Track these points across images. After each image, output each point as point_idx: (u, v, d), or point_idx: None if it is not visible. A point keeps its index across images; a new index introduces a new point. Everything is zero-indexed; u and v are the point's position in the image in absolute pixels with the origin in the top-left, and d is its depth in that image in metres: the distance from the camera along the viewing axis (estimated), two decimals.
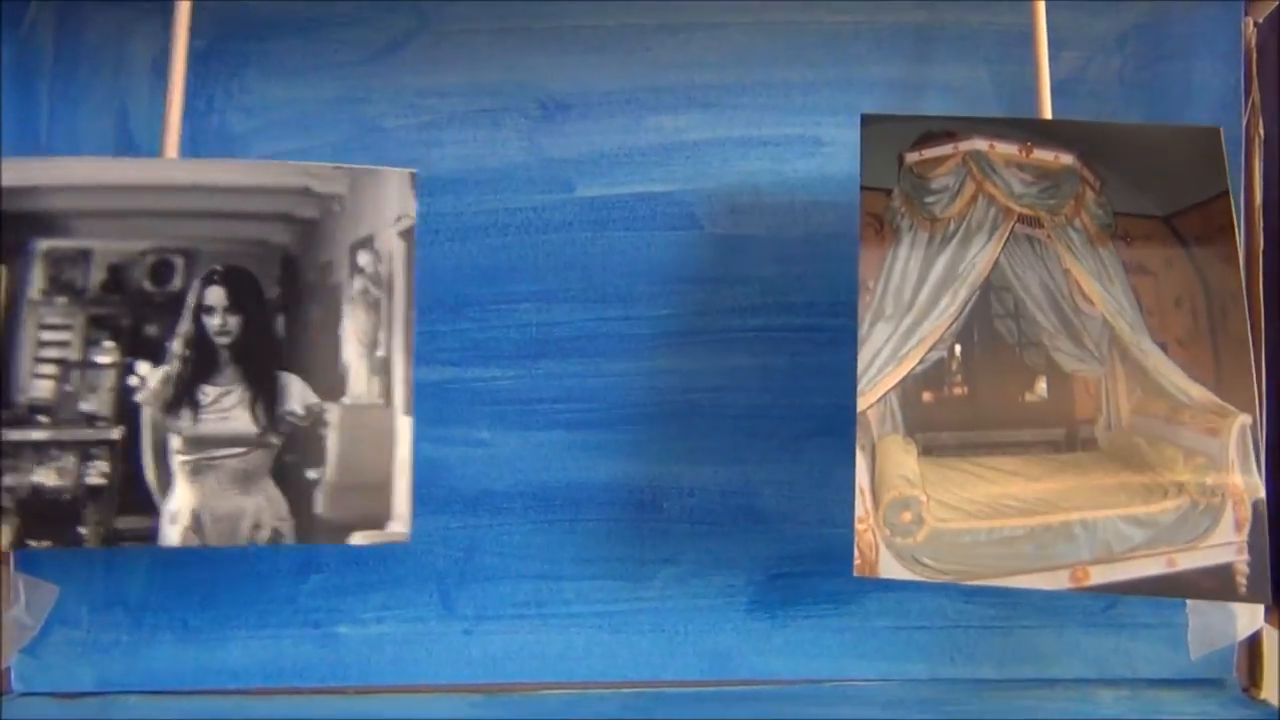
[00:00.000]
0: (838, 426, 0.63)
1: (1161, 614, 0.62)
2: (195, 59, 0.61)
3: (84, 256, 0.51)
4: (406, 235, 0.53)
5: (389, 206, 0.54)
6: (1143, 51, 0.62)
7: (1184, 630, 0.62)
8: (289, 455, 0.52)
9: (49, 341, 0.51)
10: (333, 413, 0.52)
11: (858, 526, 0.51)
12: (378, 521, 0.52)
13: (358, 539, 0.52)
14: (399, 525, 0.52)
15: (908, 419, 0.52)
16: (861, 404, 0.52)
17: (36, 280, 0.51)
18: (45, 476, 0.50)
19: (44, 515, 0.50)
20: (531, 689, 0.63)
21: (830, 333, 0.63)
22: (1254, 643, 0.62)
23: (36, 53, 0.61)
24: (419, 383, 0.62)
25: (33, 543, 0.50)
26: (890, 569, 0.51)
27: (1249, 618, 0.61)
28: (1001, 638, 0.63)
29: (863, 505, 0.51)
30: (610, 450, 0.63)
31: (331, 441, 0.52)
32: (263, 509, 0.52)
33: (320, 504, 0.52)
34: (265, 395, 0.52)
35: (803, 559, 0.63)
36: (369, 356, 0.53)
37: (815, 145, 0.62)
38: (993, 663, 0.63)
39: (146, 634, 0.63)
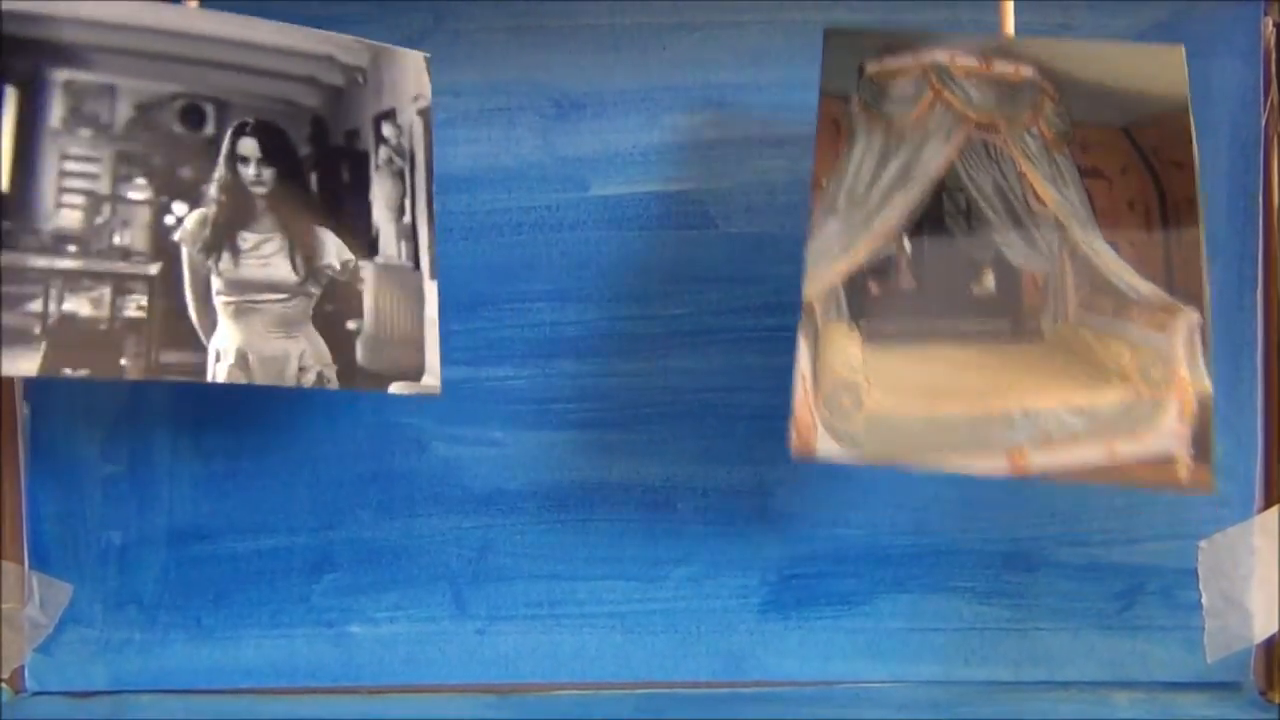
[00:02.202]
0: None
1: (1178, 616, 0.62)
2: None
3: (108, 91, 0.51)
4: (424, 114, 0.54)
5: (407, 85, 0.54)
6: None
7: (1200, 633, 0.62)
8: (329, 305, 0.53)
9: (74, 172, 0.50)
10: (367, 270, 0.53)
11: (797, 410, 0.51)
12: (414, 374, 0.53)
13: (396, 388, 0.53)
14: (431, 379, 0.54)
15: (853, 308, 0.53)
16: (808, 293, 0.52)
17: (56, 109, 0.50)
18: (78, 305, 0.49)
19: (79, 344, 0.49)
20: (544, 689, 0.63)
21: None
22: (1271, 645, 0.62)
23: None
24: None
25: (68, 370, 0.49)
26: (828, 449, 0.51)
27: (1266, 620, 0.61)
28: (1016, 640, 0.63)
29: (803, 389, 0.51)
30: (624, 450, 0.63)
31: (368, 296, 0.53)
32: (307, 352, 0.53)
33: (360, 354, 0.53)
34: (303, 247, 0.53)
35: (817, 560, 0.63)
36: (396, 222, 0.54)
37: None
38: (1007, 665, 0.63)
39: (160, 633, 0.63)
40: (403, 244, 0.54)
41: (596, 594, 0.63)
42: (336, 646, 0.63)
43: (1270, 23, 0.61)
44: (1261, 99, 0.61)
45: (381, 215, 0.54)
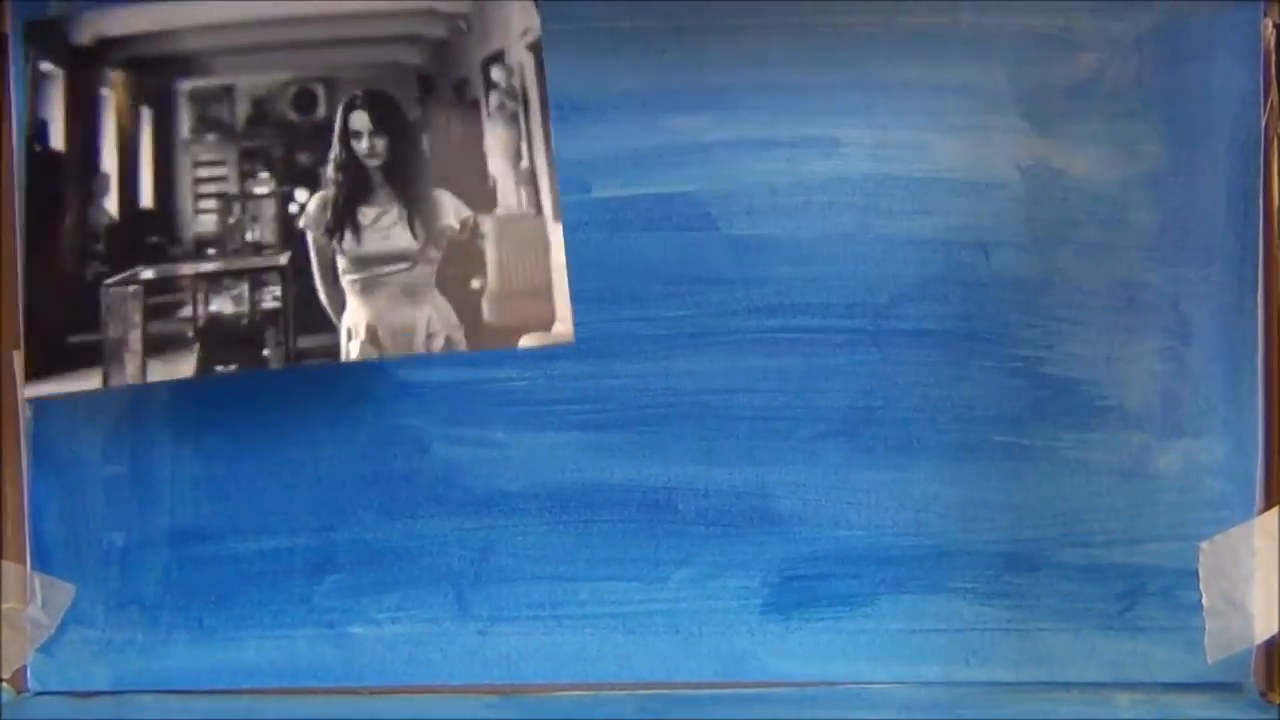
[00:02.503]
0: (853, 428, 0.63)
1: (1179, 617, 0.62)
2: None
3: (227, 93, 0.53)
4: (534, 48, 0.54)
5: (513, 22, 0.54)
6: (1161, 53, 0.62)
7: (1201, 634, 0.62)
8: (451, 267, 0.53)
9: (206, 178, 0.53)
10: (486, 224, 0.53)
11: None
12: (544, 324, 0.54)
13: (526, 340, 0.53)
14: (563, 326, 0.54)
15: None
16: None
17: (185, 120, 0.53)
18: (221, 305, 0.52)
19: (226, 341, 0.52)
20: (546, 690, 0.63)
21: (846, 334, 0.62)
22: (1272, 646, 0.62)
23: None
24: (433, 383, 0.62)
25: (219, 368, 0.52)
26: None
27: (1267, 621, 0.61)
28: (1017, 641, 0.63)
29: None
30: (625, 451, 0.63)
31: (489, 252, 0.53)
32: (434, 319, 0.53)
33: (487, 311, 0.53)
34: (421, 212, 0.53)
35: (818, 561, 0.63)
36: (514, 169, 0.54)
37: (832, 146, 0.62)
38: (1008, 666, 0.63)
39: (162, 633, 0.63)
40: (522, 190, 0.54)
41: (598, 595, 0.63)
42: (338, 647, 0.63)
43: (1270, 24, 0.61)
44: (1261, 101, 0.61)
45: (497, 165, 0.54)
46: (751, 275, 0.62)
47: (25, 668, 0.62)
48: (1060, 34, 0.62)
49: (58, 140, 0.53)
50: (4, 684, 0.62)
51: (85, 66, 0.53)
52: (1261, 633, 0.61)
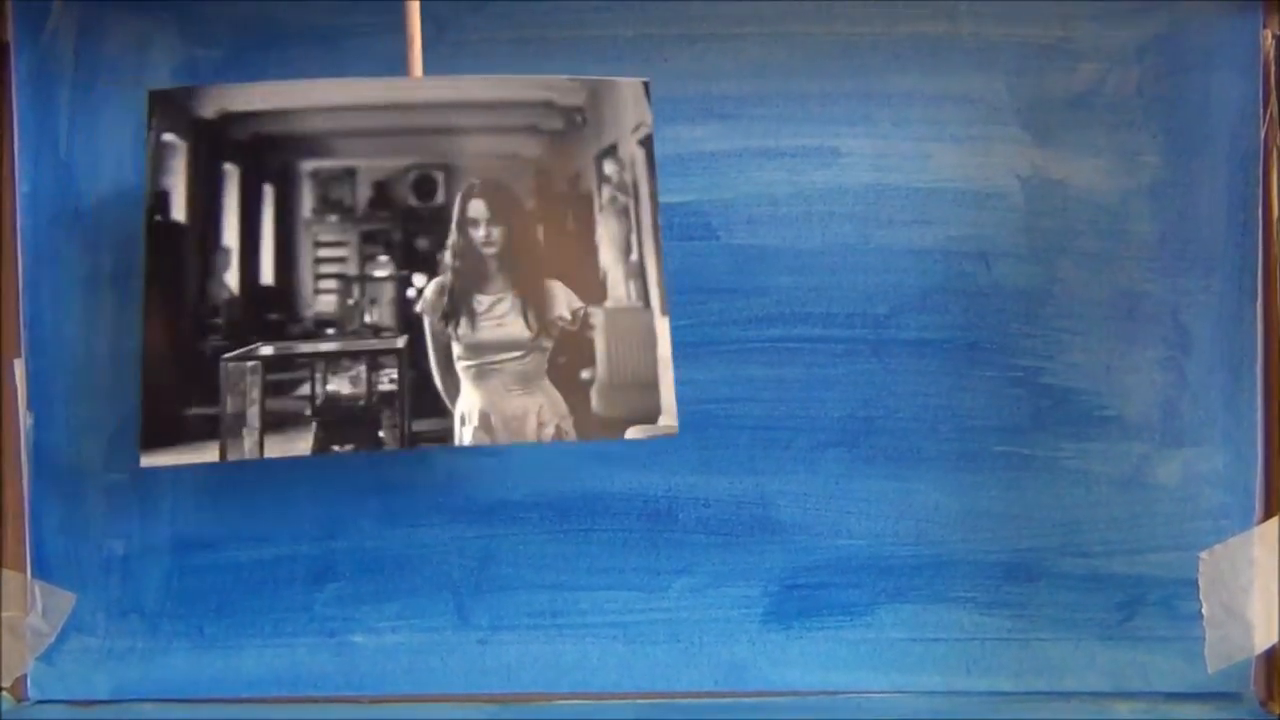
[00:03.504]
0: (853, 438, 0.63)
1: (1179, 627, 0.62)
2: (213, 68, 0.61)
3: (349, 175, 0.54)
4: (646, 143, 0.55)
5: (627, 115, 0.55)
6: (1161, 63, 0.62)
7: (1201, 643, 0.62)
8: (561, 357, 0.54)
9: (326, 258, 0.54)
10: (597, 316, 0.54)
11: None
12: (649, 416, 0.54)
13: (633, 433, 0.54)
14: (668, 419, 0.54)
15: None
16: None
17: (307, 199, 0.54)
18: (340, 385, 0.53)
19: (342, 422, 0.53)
20: (546, 699, 0.63)
21: (846, 344, 0.62)
22: (1271, 656, 0.62)
23: (57, 60, 0.61)
24: None
25: (336, 447, 0.53)
26: None
27: (1266, 631, 0.61)
28: (1018, 650, 0.63)
29: None
30: (626, 460, 0.63)
31: (599, 343, 0.54)
32: (544, 408, 0.54)
33: (595, 402, 0.54)
34: (535, 301, 0.54)
35: (818, 570, 0.63)
36: (624, 262, 0.54)
37: (833, 156, 0.62)
38: (1009, 675, 0.63)
39: (162, 642, 0.63)
40: (631, 283, 0.55)
41: (598, 604, 0.63)
42: (339, 656, 0.63)
43: (1269, 35, 0.61)
44: (1260, 111, 0.62)
45: (608, 257, 0.55)
46: (752, 285, 0.62)
47: (26, 676, 0.62)
48: (1060, 45, 0.62)
49: (179, 212, 0.54)
50: (5, 692, 0.62)
51: (208, 140, 0.54)
52: (1261, 642, 0.61)
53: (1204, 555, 0.62)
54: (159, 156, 0.53)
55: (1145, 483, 0.62)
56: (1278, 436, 0.62)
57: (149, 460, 0.52)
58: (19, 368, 0.62)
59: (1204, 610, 0.62)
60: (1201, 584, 0.62)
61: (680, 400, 0.62)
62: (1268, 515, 0.62)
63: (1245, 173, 0.62)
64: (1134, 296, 0.62)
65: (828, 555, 0.63)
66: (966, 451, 0.62)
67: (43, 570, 0.62)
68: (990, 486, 0.62)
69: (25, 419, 0.62)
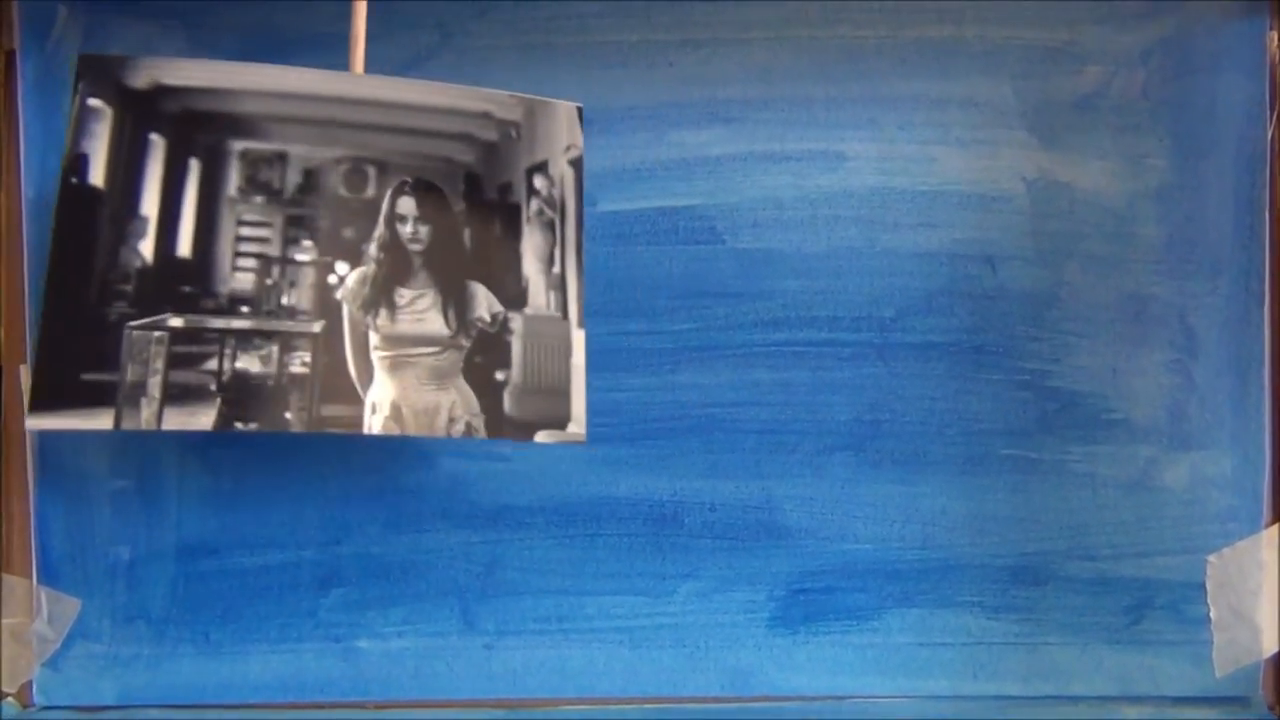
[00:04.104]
0: (859, 442, 0.63)
1: (1187, 631, 0.62)
2: None
3: (280, 159, 0.54)
4: (575, 164, 0.56)
5: (560, 136, 0.56)
6: (1167, 66, 0.62)
7: (1209, 647, 0.62)
8: (478, 357, 0.54)
9: (248, 237, 0.53)
10: (516, 321, 0.54)
11: None
12: (559, 423, 0.54)
13: (542, 437, 0.54)
14: (576, 427, 0.55)
15: None
16: None
17: (233, 178, 0.54)
18: (249, 363, 0.52)
19: (249, 400, 0.52)
20: (552, 704, 0.62)
21: (852, 347, 0.62)
22: (1279, 660, 0.62)
23: (62, 67, 0.61)
24: None
25: (239, 424, 0.52)
26: None
27: (1275, 635, 0.61)
28: (1025, 654, 0.62)
29: None
30: (631, 465, 0.63)
31: (516, 347, 0.54)
32: (457, 404, 0.54)
33: (508, 404, 0.54)
34: (456, 300, 0.54)
35: (824, 574, 0.63)
36: (546, 273, 0.55)
37: (838, 160, 0.62)
38: (1016, 679, 0.63)
39: (168, 648, 0.63)
40: (552, 294, 0.55)
41: (604, 609, 0.63)
42: (344, 661, 0.63)
43: (1275, 38, 0.61)
44: (1267, 114, 0.61)
45: (532, 266, 0.55)
46: (757, 289, 0.62)
47: (31, 682, 0.62)
48: (1066, 48, 0.62)
49: (97, 177, 0.53)
50: (10, 699, 0.62)
51: (136, 110, 0.53)
52: (1269, 646, 0.61)
53: (1212, 559, 0.62)
54: (82, 120, 0.53)
55: (1152, 486, 0.62)
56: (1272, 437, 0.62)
57: (36, 423, 0.50)
58: (25, 374, 0.62)
59: (1212, 614, 0.62)
60: (1209, 587, 0.62)
61: (686, 404, 0.63)
62: (1275, 518, 0.62)
63: (1252, 175, 0.62)
64: (1141, 299, 0.62)
65: (834, 559, 0.63)
66: (973, 455, 0.62)
67: (48, 576, 0.62)
68: (997, 490, 0.62)
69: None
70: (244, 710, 0.62)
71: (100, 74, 0.53)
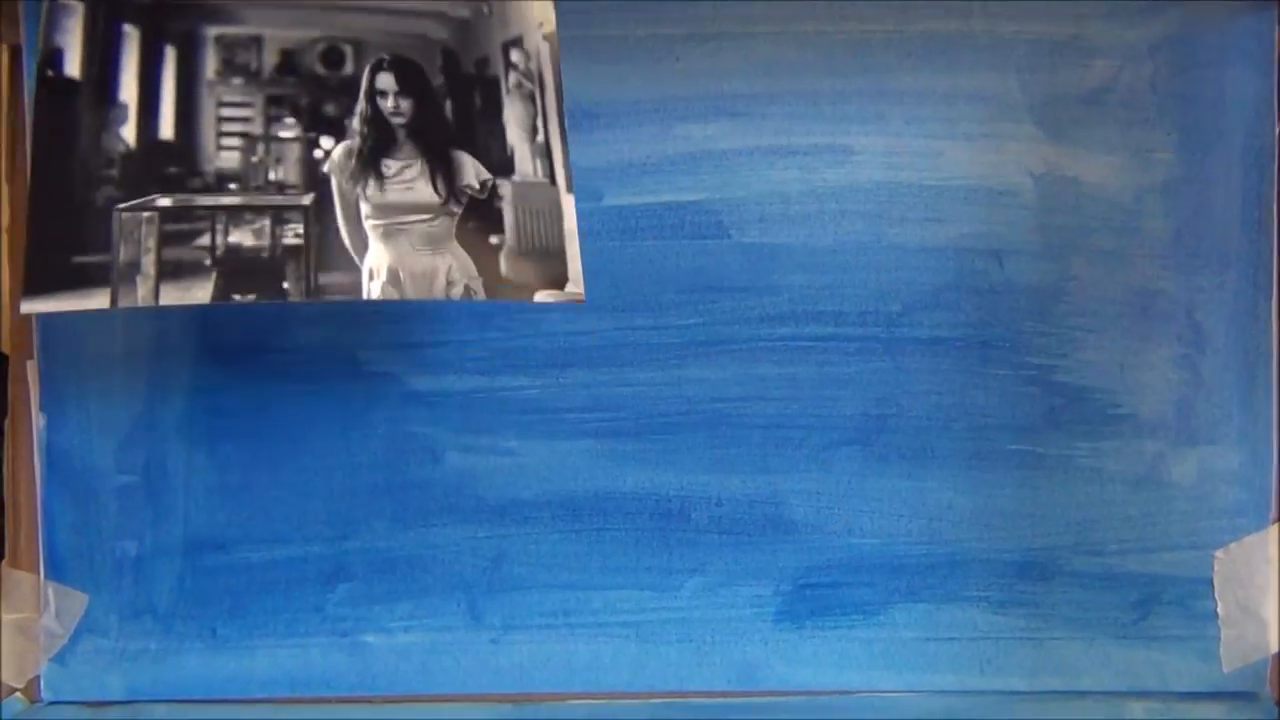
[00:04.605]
0: (866, 437, 0.62)
1: (1194, 626, 0.62)
2: None
3: (255, 41, 0.54)
4: (550, 39, 0.56)
5: (532, 13, 0.56)
6: (1175, 60, 0.62)
7: (1217, 642, 0.62)
8: (471, 222, 0.54)
9: (230, 118, 0.54)
10: (505, 187, 0.55)
11: None
12: (558, 282, 0.54)
13: (541, 296, 0.54)
14: (575, 286, 0.54)
15: None
16: None
17: (210, 63, 0.54)
18: (242, 237, 0.52)
19: (245, 271, 0.52)
20: (559, 698, 0.63)
21: (859, 342, 0.62)
22: None
23: None
24: (446, 392, 0.62)
25: (237, 296, 0.52)
26: None
27: None
28: (1032, 649, 0.62)
29: None
30: (638, 460, 0.63)
31: (507, 212, 0.55)
32: (454, 268, 0.54)
33: (504, 266, 0.54)
34: (443, 170, 0.54)
35: (831, 569, 0.63)
36: (530, 142, 0.55)
37: (845, 154, 0.62)
38: (1022, 674, 0.63)
39: (175, 643, 0.63)
40: (538, 161, 0.55)
41: (611, 603, 0.63)
42: (351, 656, 0.63)
43: None
44: (1275, 107, 0.61)
45: (516, 136, 0.55)
46: (764, 283, 0.62)
47: (39, 677, 0.63)
48: (1074, 41, 0.62)
49: (73, 69, 0.53)
50: (18, 693, 0.62)
51: (106, 2, 0.54)
52: (1277, 641, 0.61)
53: (1219, 554, 0.62)
54: (54, 16, 0.53)
55: (1160, 481, 0.62)
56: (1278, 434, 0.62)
57: (30, 306, 0.50)
58: (32, 369, 0.62)
59: (1219, 609, 0.62)
60: (1217, 583, 0.62)
61: (692, 398, 0.62)
62: None
63: (1260, 169, 0.62)
64: (1148, 294, 0.62)
65: (841, 554, 0.63)
66: (980, 450, 0.62)
67: (55, 572, 0.62)
68: (1004, 485, 0.62)
69: (38, 421, 0.62)
70: (250, 705, 0.62)
71: None
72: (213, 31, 0.54)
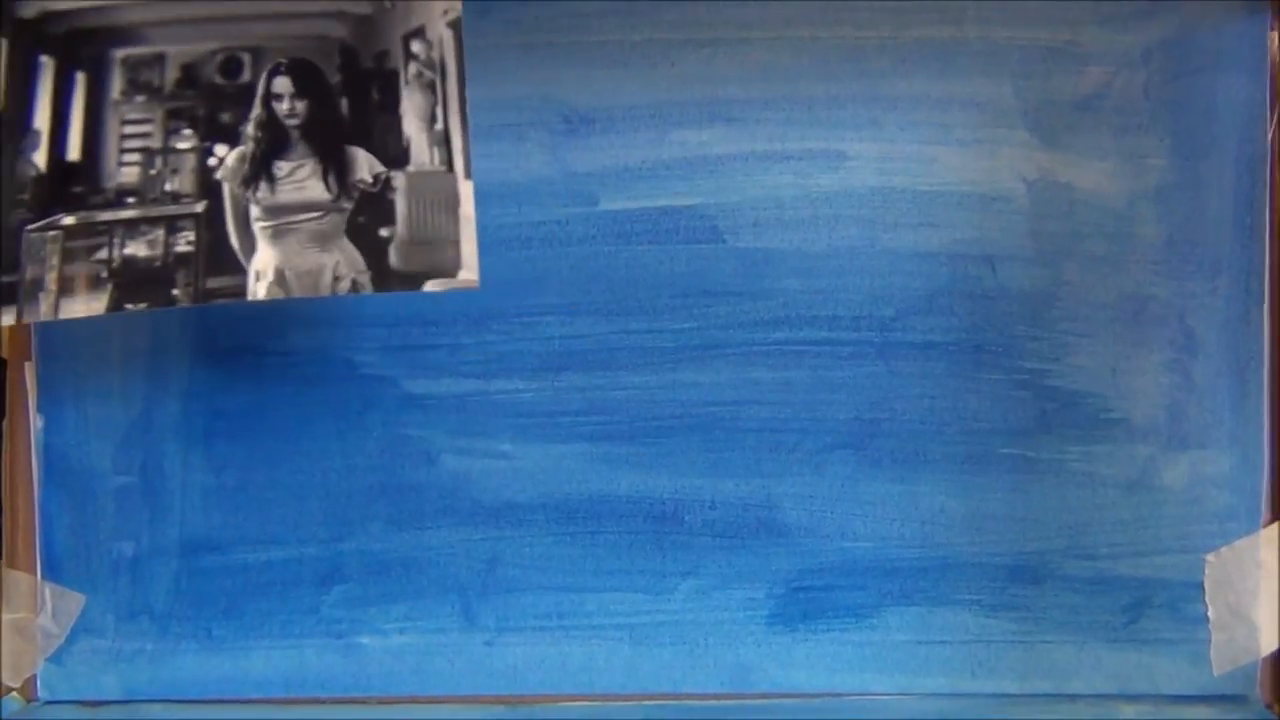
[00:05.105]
0: (859, 441, 0.63)
1: (1184, 629, 0.62)
2: None
3: (158, 60, 0.56)
4: (454, 25, 0.56)
5: (435, 5, 0.56)
6: (1168, 66, 0.62)
7: (1207, 646, 0.62)
8: (361, 216, 0.55)
9: (132, 134, 0.56)
10: (398, 179, 0.55)
11: None
12: (449, 271, 0.55)
13: (431, 285, 0.55)
14: (468, 274, 0.55)
15: None
16: None
17: (116, 83, 0.56)
18: (137, 249, 0.55)
19: (138, 281, 0.55)
20: (553, 700, 0.63)
21: (853, 346, 0.63)
22: (1277, 659, 0.62)
23: None
24: (441, 395, 0.63)
25: (129, 306, 0.54)
26: None
27: (1273, 634, 0.61)
28: (1023, 652, 0.63)
29: None
30: (632, 463, 0.63)
31: (400, 204, 0.55)
32: (341, 263, 0.55)
33: (394, 257, 0.55)
34: (335, 166, 0.55)
35: (824, 572, 0.63)
36: (428, 131, 0.55)
37: (839, 159, 0.62)
38: (1014, 677, 0.63)
39: (171, 643, 0.63)
40: (435, 150, 0.55)
41: (605, 606, 0.63)
42: (346, 657, 0.63)
43: (1277, 38, 0.61)
44: (1268, 114, 0.62)
45: (412, 126, 0.55)
46: (758, 288, 0.63)
47: (35, 677, 0.63)
48: (1067, 47, 0.62)
49: None
50: (14, 693, 0.62)
51: (27, 36, 0.56)
52: (1267, 645, 0.61)
53: (1210, 558, 0.62)
54: None
55: (1151, 485, 0.62)
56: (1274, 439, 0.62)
57: None
58: (29, 371, 0.62)
59: (1210, 613, 0.62)
60: (1207, 586, 0.62)
61: (687, 402, 0.63)
62: (1274, 518, 0.62)
63: (1253, 176, 0.62)
64: (1140, 299, 0.62)
65: (834, 557, 0.63)
66: (972, 454, 0.63)
67: (52, 572, 0.63)
68: (996, 489, 0.63)
69: (35, 421, 0.62)
70: (246, 705, 0.63)
71: None
72: (120, 54, 0.56)
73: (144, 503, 0.63)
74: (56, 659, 0.63)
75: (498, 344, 0.63)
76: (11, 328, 0.62)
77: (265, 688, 0.63)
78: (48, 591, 0.63)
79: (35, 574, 0.63)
